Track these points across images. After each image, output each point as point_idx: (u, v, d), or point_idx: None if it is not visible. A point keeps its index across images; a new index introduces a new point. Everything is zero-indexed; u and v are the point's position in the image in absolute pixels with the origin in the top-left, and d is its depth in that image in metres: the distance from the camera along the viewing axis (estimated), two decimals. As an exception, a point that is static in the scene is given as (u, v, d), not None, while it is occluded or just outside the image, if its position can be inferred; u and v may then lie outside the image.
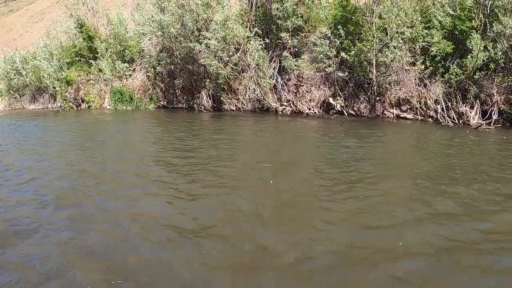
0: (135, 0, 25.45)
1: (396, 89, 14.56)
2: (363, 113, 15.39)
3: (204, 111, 19.01)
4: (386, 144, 10.86)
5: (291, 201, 6.46)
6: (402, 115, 14.56)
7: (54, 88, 24.33)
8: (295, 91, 16.92)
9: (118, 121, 18.37)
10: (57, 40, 26.47)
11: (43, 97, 27.25)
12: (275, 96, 17.31)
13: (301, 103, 16.59)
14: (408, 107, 14.45)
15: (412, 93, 14.14)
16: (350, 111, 15.66)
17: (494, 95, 12.49)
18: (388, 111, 14.89)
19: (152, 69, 21.10)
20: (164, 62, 19.91)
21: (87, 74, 24.48)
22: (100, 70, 23.25)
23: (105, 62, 22.80)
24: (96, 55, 23.41)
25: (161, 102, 21.73)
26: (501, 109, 12.49)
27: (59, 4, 27.95)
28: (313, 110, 16.39)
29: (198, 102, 19.46)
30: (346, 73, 15.32)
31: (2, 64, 29.51)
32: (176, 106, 21.06)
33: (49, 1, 50.27)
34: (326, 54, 15.23)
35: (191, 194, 6.82)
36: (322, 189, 6.84)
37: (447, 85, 13.37)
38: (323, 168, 8.18)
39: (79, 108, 24.31)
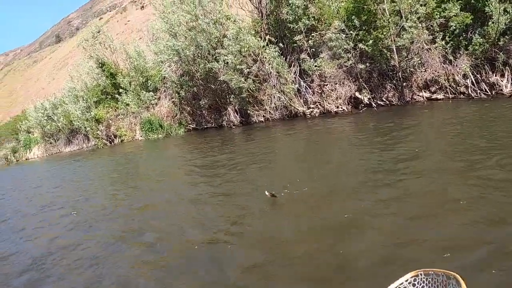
0: (150, 31, 26.76)
1: (421, 71, 14.74)
2: (392, 101, 15.67)
3: (233, 127, 19.88)
4: (422, 130, 10.87)
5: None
6: (432, 97, 14.68)
7: (85, 128, 26.04)
8: (319, 91, 17.40)
9: (150, 152, 19.22)
10: (82, 82, 28.37)
11: (77, 138, 29.25)
12: (301, 100, 17.85)
13: (328, 103, 17.01)
14: (437, 87, 14.61)
15: (438, 72, 14.32)
16: (379, 102, 15.97)
17: (523, 59, 12.46)
18: (417, 95, 15.08)
19: (176, 94, 22.17)
20: (187, 85, 20.97)
21: (115, 109, 26.02)
22: (127, 105, 24.60)
23: (130, 96, 24.13)
24: (121, 90, 24.79)
25: (190, 125, 22.75)
26: (534, 72, 12.44)
27: (80, 48, 29.94)
28: (341, 108, 16.77)
29: (226, 119, 20.24)
30: (368, 64, 15.65)
31: (34, 114, 31.88)
32: (205, 126, 22.05)
33: (70, 46, 53.45)
34: (344, 47, 15.60)
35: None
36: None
37: (473, 57, 13.52)
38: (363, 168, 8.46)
39: (112, 143, 25.86)
